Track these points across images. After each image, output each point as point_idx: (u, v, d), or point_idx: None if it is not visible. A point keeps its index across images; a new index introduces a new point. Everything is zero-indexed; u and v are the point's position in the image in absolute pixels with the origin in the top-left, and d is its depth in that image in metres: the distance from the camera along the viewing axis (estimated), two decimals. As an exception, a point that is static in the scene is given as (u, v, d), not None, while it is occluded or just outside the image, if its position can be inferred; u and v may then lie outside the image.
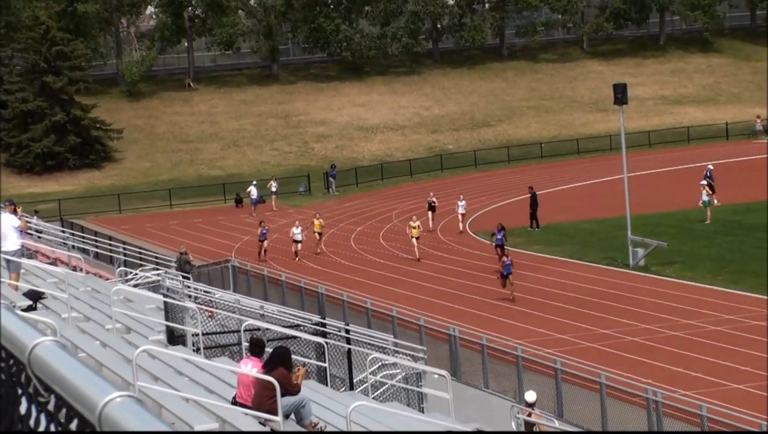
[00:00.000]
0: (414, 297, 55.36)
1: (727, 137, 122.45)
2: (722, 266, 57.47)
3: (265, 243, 68.05)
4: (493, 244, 58.34)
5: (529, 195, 76.11)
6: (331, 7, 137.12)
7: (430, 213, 75.47)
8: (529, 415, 27.63)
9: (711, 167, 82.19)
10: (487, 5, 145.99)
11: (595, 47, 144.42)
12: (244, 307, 35.52)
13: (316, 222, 70.88)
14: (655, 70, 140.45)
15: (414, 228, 65.48)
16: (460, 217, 75.22)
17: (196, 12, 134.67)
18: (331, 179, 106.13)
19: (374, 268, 66.26)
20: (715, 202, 76.75)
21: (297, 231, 68.07)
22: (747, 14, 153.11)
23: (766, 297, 44.91)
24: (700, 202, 71.85)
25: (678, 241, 63.30)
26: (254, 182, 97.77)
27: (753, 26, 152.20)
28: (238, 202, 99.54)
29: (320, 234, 71.37)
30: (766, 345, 32.92)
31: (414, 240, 65.45)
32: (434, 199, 77.01)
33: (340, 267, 66.79)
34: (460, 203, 74.88)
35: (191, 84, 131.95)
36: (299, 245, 68.30)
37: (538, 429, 26.99)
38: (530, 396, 29.45)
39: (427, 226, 73.39)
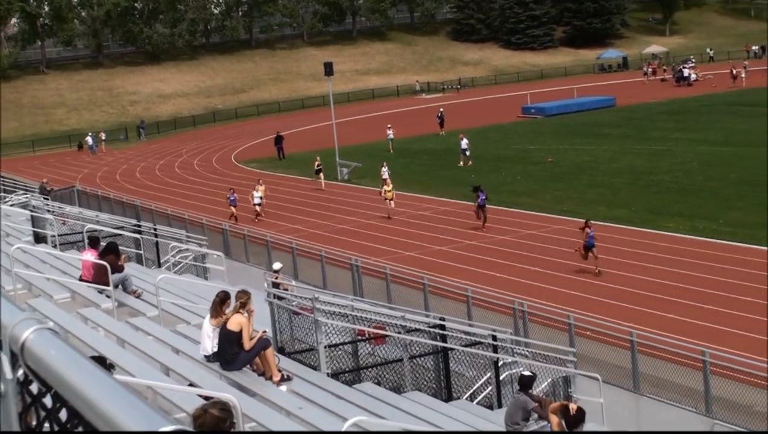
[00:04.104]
0: (200, 205, 54.94)
1: (398, 95, 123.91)
2: (396, 178, 58.32)
3: (235, 209, 50.03)
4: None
5: (275, 136, 76.13)
6: (137, 16, 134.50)
7: (319, 175, 59.16)
8: (276, 278, 27.68)
9: (442, 110, 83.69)
10: (240, 12, 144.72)
11: (311, 39, 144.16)
12: (86, 216, 34.80)
13: (261, 187, 51.66)
14: (350, 53, 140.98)
15: (389, 191, 48.21)
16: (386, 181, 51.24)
17: (45, 21, 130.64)
18: (141, 130, 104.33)
19: (172, 187, 65.48)
20: (443, 132, 77.73)
21: (257, 195, 50.67)
22: (408, 15, 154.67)
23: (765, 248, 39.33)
24: (388, 138, 72.67)
25: (368, 163, 63.90)
26: (90, 134, 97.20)
27: (412, 23, 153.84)
28: (80, 147, 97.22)
29: (262, 199, 51.07)
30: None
31: (390, 201, 48.01)
32: (320, 164, 59.68)
33: (150, 188, 65.81)
34: (383, 169, 54.13)
35: (44, 70, 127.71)
36: (258, 207, 50.32)
37: (283, 288, 27.08)
38: (277, 265, 29.52)
39: (320, 186, 58.56)
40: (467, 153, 61.94)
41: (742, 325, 27.47)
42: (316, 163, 60.05)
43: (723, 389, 21.19)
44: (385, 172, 53.69)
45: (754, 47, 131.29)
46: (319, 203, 53.95)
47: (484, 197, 42.88)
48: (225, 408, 6.43)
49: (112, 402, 1.46)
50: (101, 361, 8.33)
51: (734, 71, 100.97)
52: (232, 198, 50.36)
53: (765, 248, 35.72)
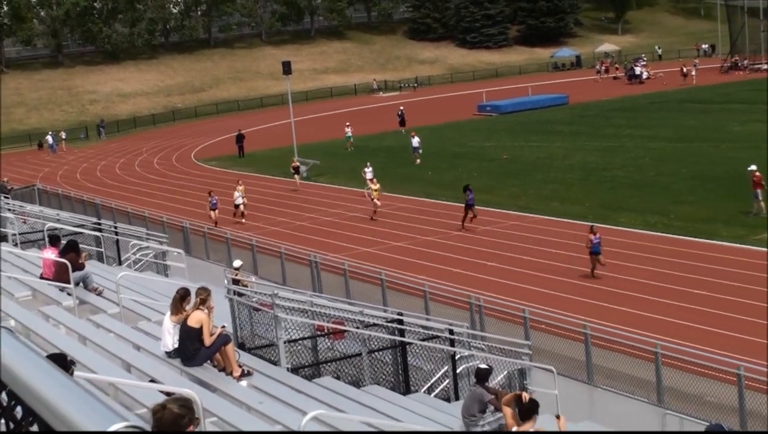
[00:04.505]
0: (160, 203, 54.66)
1: (356, 93, 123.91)
2: (356, 175, 58.38)
3: (216, 212, 46.60)
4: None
5: (236, 134, 75.95)
6: (96, 15, 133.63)
7: (296, 175, 56.96)
8: (236, 275, 27.62)
9: (402, 108, 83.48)
10: (199, 12, 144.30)
11: (270, 38, 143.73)
12: (46, 215, 34.50)
13: (240, 188, 49.01)
14: (308, 52, 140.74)
15: (375, 190, 46.18)
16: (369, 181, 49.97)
17: (4, 21, 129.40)
18: (101, 129, 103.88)
19: (132, 185, 65.10)
20: (403, 130, 77.20)
21: (237, 195, 48.14)
22: (365, 14, 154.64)
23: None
24: (346, 136, 72.54)
25: (327, 160, 63.94)
26: (50, 133, 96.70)
27: (369, 22, 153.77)
28: (40, 146, 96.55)
29: (244, 199, 48.55)
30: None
31: (376, 200, 45.90)
32: (297, 164, 57.84)
33: (111, 186, 65.36)
34: (366, 170, 52.85)
35: (4, 69, 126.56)
36: (241, 207, 47.89)
37: (243, 284, 27.02)
38: (237, 263, 29.45)
39: (296, 186, 56.40)
40: (419, 151, 61.95)
41: (693, 318, 27.73)
42: (293, 163, 58.23)
43: (674, 380, 21.39)
44: (369, 172, 51.82)
45: (703, 45, 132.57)
46: (277, 200, 53.78)
47: (472, 196, 41.31)
48: (185, 404, 6.36)
49: (66, 399, 1.46)
50: (62, 358, 8.28)
51: (684, 69, 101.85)
52: (213, 201, 47.22)
53: (715, 242, 36.08)
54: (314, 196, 53.99)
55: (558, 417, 14.15)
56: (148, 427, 6.11)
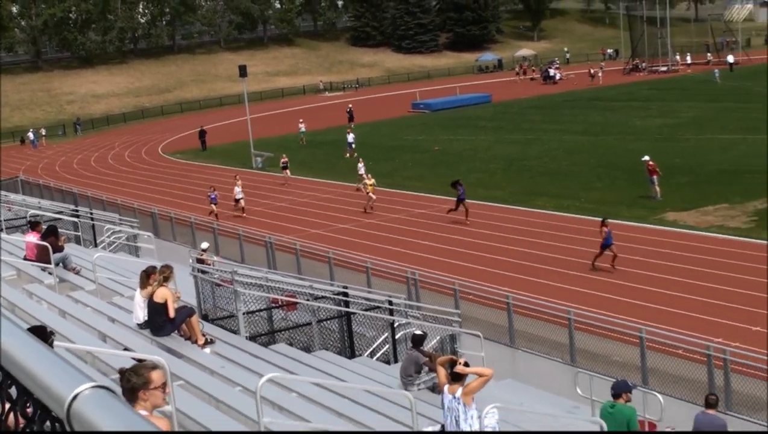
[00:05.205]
0: (131, 192, 54.07)
1: (304, 93, 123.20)
2: (305, 165, 58.22)
3: (216, 206, 44.13)
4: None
5: (199, 130, 75.31)
6: (72, 24, 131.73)
7: (285, 171, 53.10)
8: (202, 255, 27.43)
9: (351, 106, 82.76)
10: (164, 21, 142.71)
11: (228, 44, 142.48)
12: (28, 203, 34.04)
13: (239, 183, 46.13)
14: (262, 57, 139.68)
15: (370, 185, 42.68)
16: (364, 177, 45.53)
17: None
18: (77, 126, 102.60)
19: (106, 176, 64.35)
20: (352, 126, 76.24)
21: (238, 190, 45.11)
22: (312, 23, 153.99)
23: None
24: (300, 131, 72.04)
25: (280, 152, 63.60)
26: (31, 130, 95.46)
27: (316, 30, 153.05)
28: (22, 141, 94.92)
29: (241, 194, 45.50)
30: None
31: (371, 194, 42.43)
32: (286, 160, 53.65)
33: (87, 177, 64.55)
34: (359, 165, 49.49)
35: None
36: (242, 202, 44.86)
37: (207, 263, 26.83)
38: (204, 244, 29.25)
39: (288, 181, 52.66)
40: (353, 146, 61.59)
41: (601, 287, 28.06)
42: (282, 159, 54.89)
43: (585, 342, 21.67)
44: (361, 168, 48.36)
45: (608, 50, 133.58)
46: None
47: (463, 190, 38.44)
48: (141, 374, 6.08)
49: (41, 365, 1.45)
50: (42, 330, 8.17)
51: (592, 71, 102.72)
52: (212, 196, 45.02)
53: (619, 222, 36.48)
54: (272, 184, 53.71)
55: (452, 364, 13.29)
56: (116, 388, 6.01)
